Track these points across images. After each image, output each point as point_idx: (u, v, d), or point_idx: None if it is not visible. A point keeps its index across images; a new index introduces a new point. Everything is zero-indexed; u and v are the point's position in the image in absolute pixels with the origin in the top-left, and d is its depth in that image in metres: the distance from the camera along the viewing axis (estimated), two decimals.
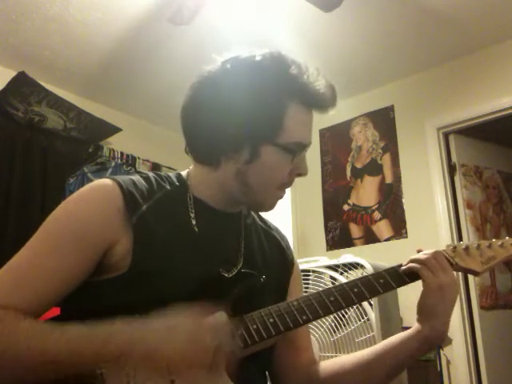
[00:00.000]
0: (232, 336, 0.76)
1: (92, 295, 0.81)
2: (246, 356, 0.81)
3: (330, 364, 1.00)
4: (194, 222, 0.90)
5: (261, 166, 0.88)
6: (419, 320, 0.92)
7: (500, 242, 1.00)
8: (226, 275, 0.89)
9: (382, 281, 0.91)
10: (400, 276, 0.94)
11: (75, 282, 0.80)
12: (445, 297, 0.89)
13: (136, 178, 0.90)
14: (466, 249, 0.99)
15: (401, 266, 0.96)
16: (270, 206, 0.94)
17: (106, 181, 0.87)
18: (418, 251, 0.98)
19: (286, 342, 0.99)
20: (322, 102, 0.90)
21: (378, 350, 0.95)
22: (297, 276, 1.08)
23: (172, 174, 0.97)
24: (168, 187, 0.92)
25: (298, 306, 0.84)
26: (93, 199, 0.84)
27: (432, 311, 0.90)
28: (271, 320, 0.81)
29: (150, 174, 0.94)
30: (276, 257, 1.03)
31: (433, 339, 0.91)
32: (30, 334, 0.71)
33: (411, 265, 0.94)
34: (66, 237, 0.81)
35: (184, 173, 0.99)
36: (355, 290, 0.89)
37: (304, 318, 0.83)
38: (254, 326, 0.80)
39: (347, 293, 0.88)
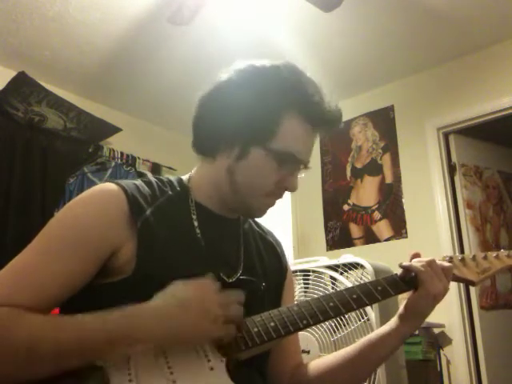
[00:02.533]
0: (236, 302, 0.79)
1: (94, 298, 0.81)
2: (246, 358, 0.81)
3: (316, 365, 1.02)
4: (196, 227, 0.91)
5: (248, 166, 0.89)
6: (403, 318, 0.96)
7: (495, 254, 1.03)
8: (227, 280, 0.90)
9: (380, 288, 0.93)
10: (398, 284, 0.96)
11: (78, 285, 0.80)
12: (435, 303, 0.94)
13: (139, 182, 0.91)
14: (462, 260, 1.02)
15: (400, 275, 0.98)
16: (257, 212, 0.95)
17: (110, 185, 0.87)
18: (414, 256, 0.99)
19: (279, 346, 1.00)
20: (324, 123, 0.92)
21: (360, 349, 0.98)
22: (290, 282, 1.09)
23: (173, 179, 0.98)
24: (170, 192, 0.93)
25: (298, 311, 0.85)
26: (98, 203, 0.84)
27: (420, 314, 0.95)
28: (272, 324, 0.82)
29: (152, 179, 0.94)
30: (273, 263, 1.04)
31: (408, 335, 0.98)
32: (41, 326, 0.71)
33: (410, 267, 0.95)
34: (71, 240, 0.81)
35: (185, 177, 0.99)
36: (354, 296, 0.90)
37: (304, 322, 0.84)
38: (255, 329, 0.81)
39: (346, 299, 0.89)
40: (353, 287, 0.93)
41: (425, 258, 0.97)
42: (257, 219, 1.10)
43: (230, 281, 0.90)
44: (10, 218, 2.85)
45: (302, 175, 0.96)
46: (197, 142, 0.96)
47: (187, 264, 0.86)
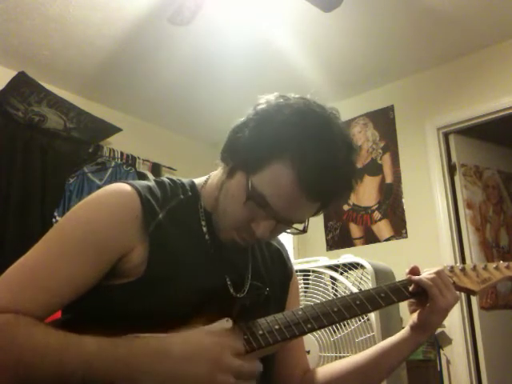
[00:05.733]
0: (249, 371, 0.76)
1: (101, 299, 0.81)
2: None
3: (324, 371, 1.02)
4: (205, 233, 0.91)
5: (229, 188, 0.87)
6: (416, 329, 0.97)
7: (495, 265, 1.05)
8: (234, 294, 0.90)
9: (383, 295, 0.94)
10: (401, 291, 0.97)
11: (87, 285, 0.79)
12: (447, 314, 0.95)
13: (152, 184, 0.89)
14: (463, 270, 1.04)
15: (402, 281, 0.99)
16: (225, 239, 0.90)
17: (124, 186, 0.85)
18: (413, 269, 1.00)
19: (284, 350, 1.00)
20: (316, 193, 0.82)
21: (372, 357, 0.99)
22: (295, 287, 1.10)
23: (186, 182, 0.96)
24: (181, 196, 0.92)
25: (302, 315, 0.85)
26: (112, 205, 0.83)
27: (433, 325, 0.97)
28: (276, 327, 0.82)
29: (165, 180, 0.93)
30: (278, 268, 1.04)
31: (421, 344, 0.99)
32: (45, 345, 0.70)
33: (420, 282, 0.96)
34: (82, 243, 0.80)
35: (198, 182, 0.98)
36: (357, 302, 0.91)
37: (309, 326, 0.84)
38: (260, 332, 0.80)
39: (350, 304, 0.90)
40: (356, 293, 0.93)
41: (433, 269, 0.98)
42: None
43: (240, 295, 0.90)
44: (9, 217, 2.84)
45: (288, 230, 0.90)
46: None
47: (197, 269, 0.86)
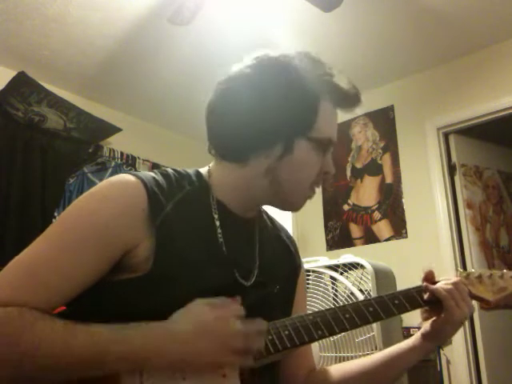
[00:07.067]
0: (258, 336, 0.77)
1: (106, 294, 0.79)
2: (259, 366, 0.79)
3: (331, 373, 1.00)
4: (218, 226, 0.87)
5: (294, 161, 0.87)
6: (427, 337, 0.96)
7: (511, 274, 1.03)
8: (244, 283, 0.88)
9: (396, 302, 0.93)
10: (415, 299, 0.96)
11: (90, 281, 0.77)
12: (461, 326, 0.95)
13: (157, 176, 0.85)
14: (479, 277, 1.02)
15: (417, 288, 0.98)
16: (299, 206, 0.93)
17: (130, 177, 0.82)
18: (428, 274, 0.99)
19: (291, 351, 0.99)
20: (349, 102, 0.93)
21: (381, 361, 0.98)
22: (302, 281, 1.07)
23: (191, 172, 0.92)
24: (188, 187, 0.88)
25: (313, 321, 0.83)
26: (117, 198, 0.79)
27: (446, 335, 0.96)
28: (286, 332, 0.80)
29: (170, 171, 0.89)
30: (286, 263, 1.02)
31: (431, 351, 1.01)
32: (52, 334, 0.69)
33: (436, 292, 0.95)
34: (87, 234, 0.77)
35: (204, 171, 0.94)
36: (370, 309, 0.89)
37: (319, 333, 0.82)
38: (270, 337, 0.79)
39: (362, 311, 0.88)
40: (369, 299, 0.91)
41: (450, 279, 0.97)
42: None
43: (247, 284, 0.88)
44: (9, 218, 2.85)
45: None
46: (221, 147, 0.90)
47: (206, 264, 0.83)
